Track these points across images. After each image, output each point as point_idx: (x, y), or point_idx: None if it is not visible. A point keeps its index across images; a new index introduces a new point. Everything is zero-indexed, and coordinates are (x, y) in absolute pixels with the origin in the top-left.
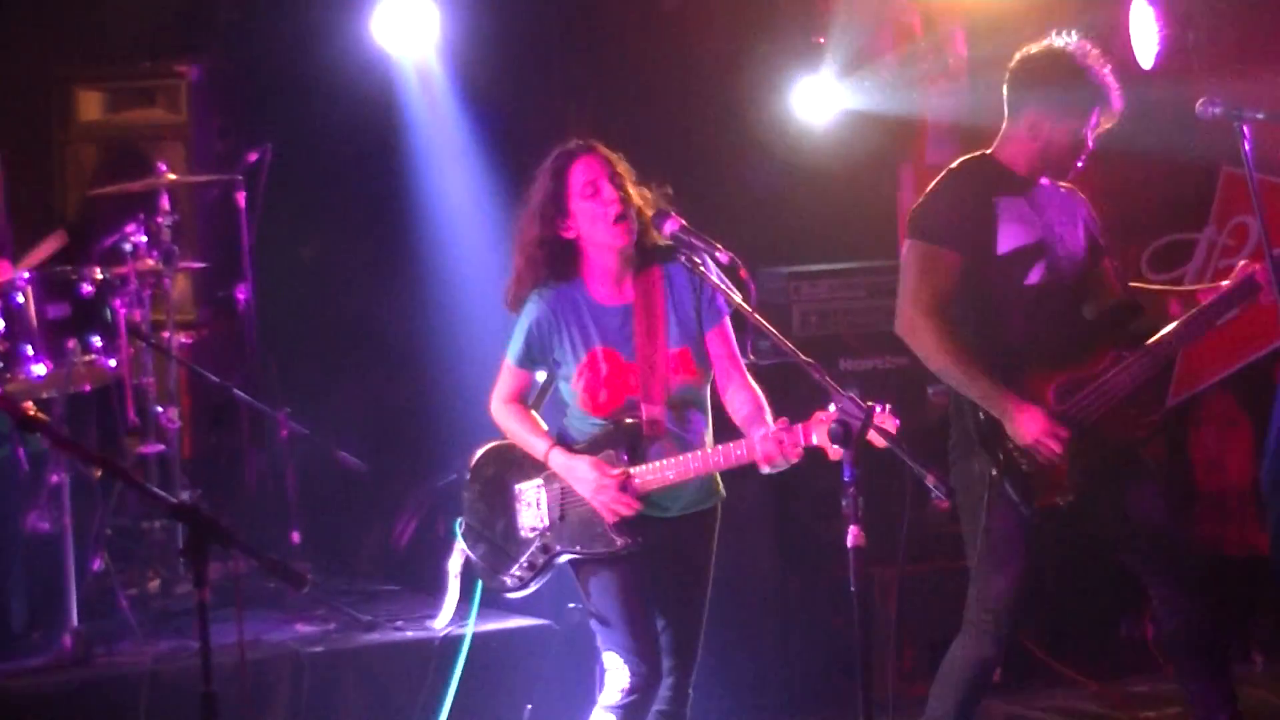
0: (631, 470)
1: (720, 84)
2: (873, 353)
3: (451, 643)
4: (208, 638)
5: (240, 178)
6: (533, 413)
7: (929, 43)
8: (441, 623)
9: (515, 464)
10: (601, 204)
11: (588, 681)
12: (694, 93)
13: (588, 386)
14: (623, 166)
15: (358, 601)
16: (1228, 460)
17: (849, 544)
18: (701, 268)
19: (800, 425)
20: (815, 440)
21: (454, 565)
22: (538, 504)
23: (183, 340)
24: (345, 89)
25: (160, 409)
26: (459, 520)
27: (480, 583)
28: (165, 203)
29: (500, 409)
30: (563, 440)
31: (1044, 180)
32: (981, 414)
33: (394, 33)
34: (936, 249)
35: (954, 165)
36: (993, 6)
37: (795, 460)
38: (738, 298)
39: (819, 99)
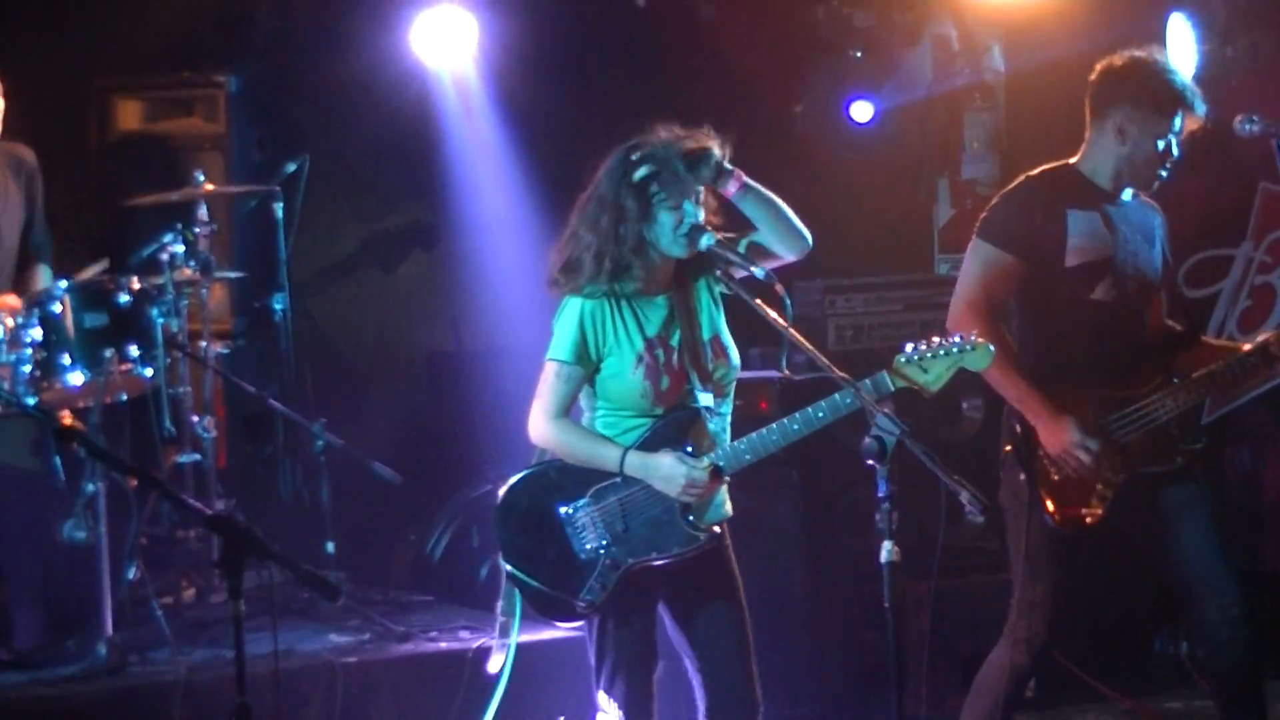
0: (710, 457)
1: (756, 96)
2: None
3: (485, 654)
4: (242, 648)
5: (278, 188)
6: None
7: (965, 57)
8: (496, 665)
9: (552, 489)
10: (678, 220)
11: None
12: (729, 105)
13: (650, 375)
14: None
15: (391, 612)
16: (1263, 476)
17: (883, 559)
18: (737, 282)
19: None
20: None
21: (507, 609)
22: (593, 523)
23: (219, 350)
24: (383, 100)
25: (196, 419)
26: (501, 562)
27: (519, 596)
28: (203, 213)
29: (551, 426)
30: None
31: (1126, 194)
32: (1020, 423)
33: (432, 44)
34: (999, 252)
35: (1034, 172)
36: (1030, 21)
37: None
38: (773, 313)
39: (854, 113)
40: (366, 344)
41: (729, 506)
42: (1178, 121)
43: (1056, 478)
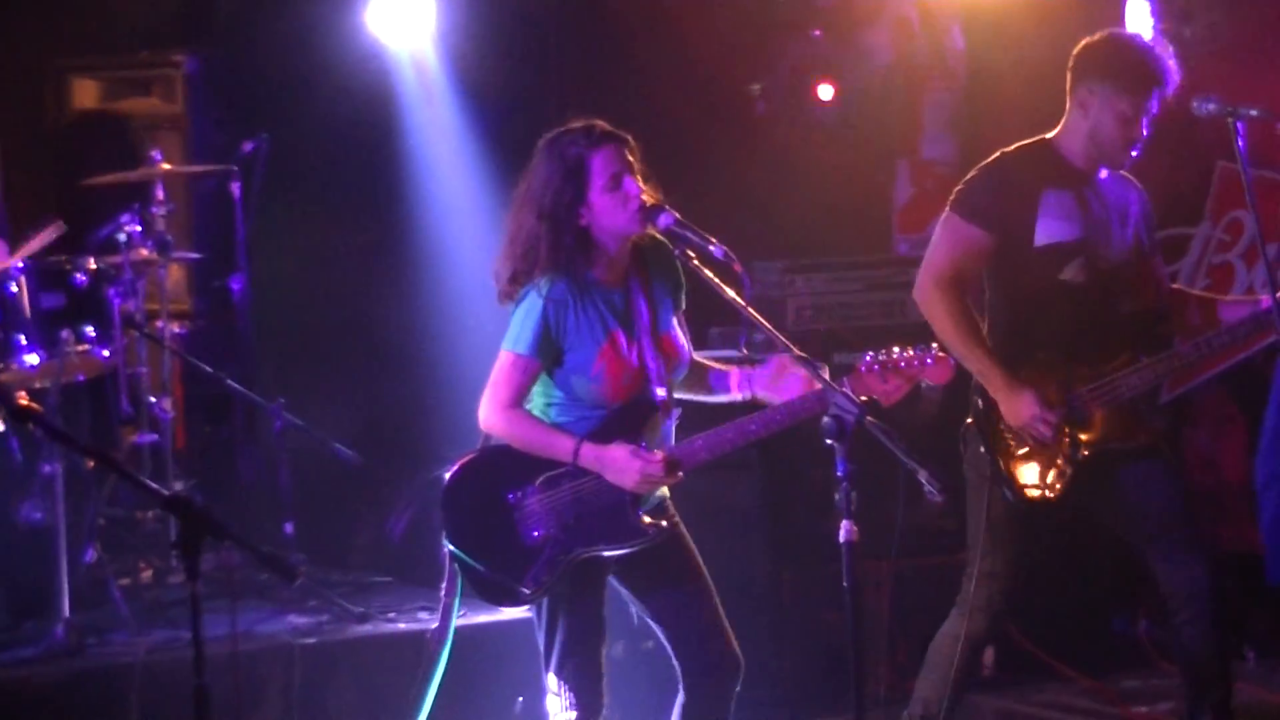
0: (667, 451)
1: (716, 76)
2: (868, 347)
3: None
4: (200, 630)
5: (236, 168)
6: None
7: (926, 38)
8: (438, 647)
9: (500, 474)
10: (623, 198)
11: None
12: (690, 85)
13: (610, 371)
14: (634, 153)
15: (351, 593)
16: (1222, 458)
17: (842, 539)
18: (695, 261)
19: (849, 379)
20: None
21: (450, 593)
22: (542, 511)
23: (177, 331)
24: (342, 81)
25: (154, 399)
26: (445, 545)
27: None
28: (160, 193)
29: (503, 415)
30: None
31: (1103, 173)
32: (982, 396)
33: (390, 25)
34: (971, 227)
35: (1010, 148)
36: (991, 2)
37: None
38: (731, 292)
39: (814, 93)
40: (326, 325)
41: (664, 489)
42: (1146, 100)
43: (1018, 451)
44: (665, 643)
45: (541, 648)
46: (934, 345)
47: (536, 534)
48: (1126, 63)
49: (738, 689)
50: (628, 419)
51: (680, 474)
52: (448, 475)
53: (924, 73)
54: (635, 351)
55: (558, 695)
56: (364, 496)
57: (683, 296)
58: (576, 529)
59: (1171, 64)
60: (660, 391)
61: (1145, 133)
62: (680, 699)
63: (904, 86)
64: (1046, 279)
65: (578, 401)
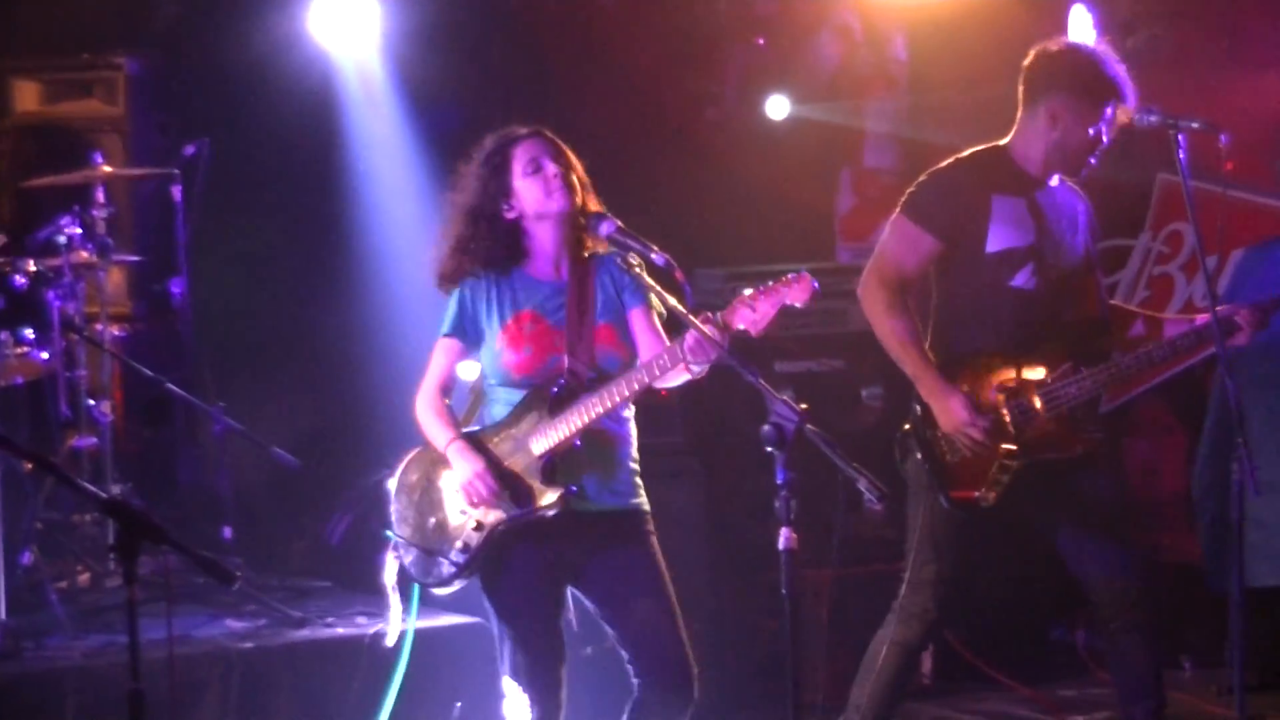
0: (549, 421)
1: (660, 84)
2: (809, 356)
3: (382, 637)
4: (136, 634)
5: (177, 172)
6: (446, 405)
7: (869, 47)
8: (392, 638)
9: (438, 462)
10: (544, 179)
11: None
12: (634, 93)
13: (511, 342)
14: (568, 153)
15: (289, 598)
16: (1161, 467)
17: (781, 547)
18: (637, 269)
19: (719, 313)
20: (739, 323)
21: (389, 578)
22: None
23: (116, 334)
24: (284, 85)
25: (93, 403)
26: (388, 533)
27: (416, 585)
28: (101, 195)
29: (418, 400)
30: (483, 427)
31: (1054, 180)
32: (919, 402)
33: (333, 30)
34: (920, 231)
35: (964, 154)
36: (933, 11)
37: (719, 350)
38: (673, 300)
39: (759, 101)
40: (266, 329)
41: (630, 499)
42: (1109, 110)
43: (950, 459)
44: (622, 651)
45: (498, 650)
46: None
47: (461, 512)
48: (1100, 77)
49: (692, 701)
50: (538, 395)
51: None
52: (399, 467)
53: (867, 81)
54: (547, 331)
55: (511, 698)
56: (303, 501)
57: (643, 297)
58: (493, 502)
59: (1123, 69)
60: (575, 363)
61: (1106, 142)
62: (630, 707)
63: (847, 95)
64: (997, 285)
65: (493, 380)
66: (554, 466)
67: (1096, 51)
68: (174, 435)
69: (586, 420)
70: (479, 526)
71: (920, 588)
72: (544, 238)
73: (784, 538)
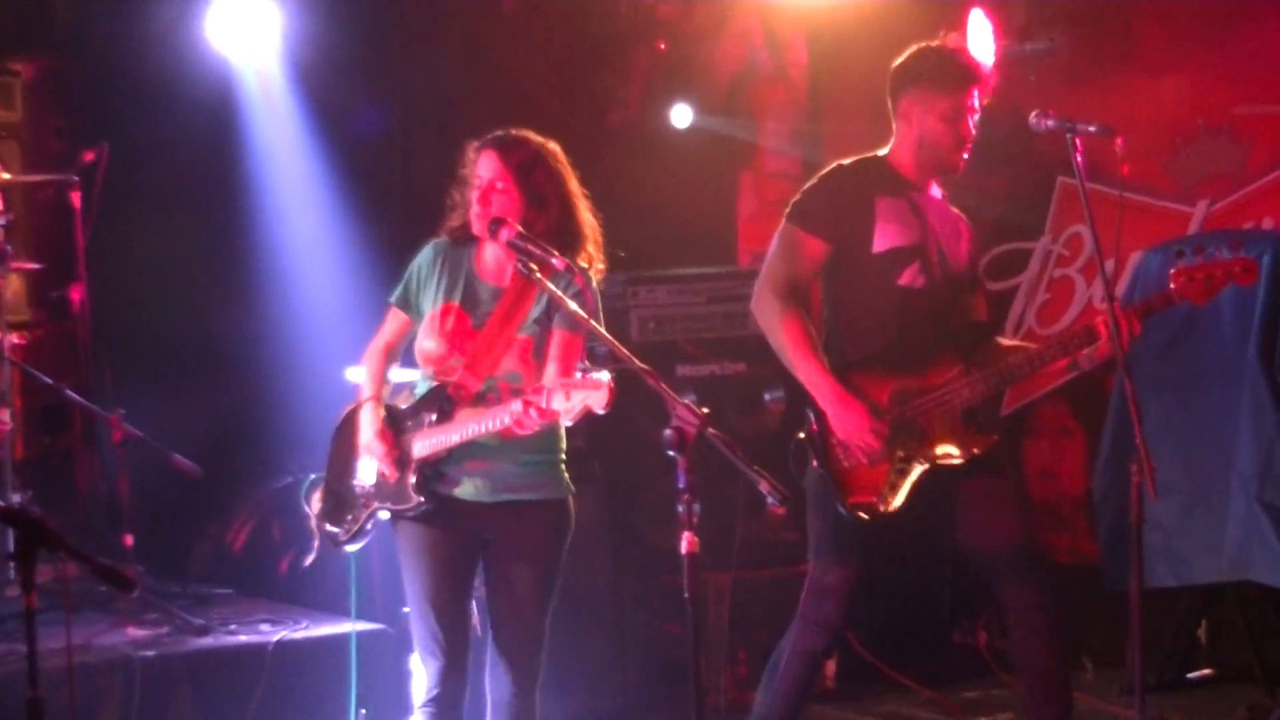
0: (434, 427)
1: (559, 89)
2: (710, 359)
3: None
4: (35, 642)
5: (76, 178)
6: (385, 366)
7: (769, 50)
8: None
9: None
10: (479, 204)
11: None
12: (532, 98)
13: (423, 332)
14: (529, 162)
15: (191, 605)
16: (1061, 469)
17: (683, 551)
18: (538, 274)
19: (546, 390)
20: (554, 405)
21: (313, 512)
22: (370, 463)
23: (15, 341)
24: (184, 90)
25: None
26: (313, 476)
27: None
28: None
29: (367, 352)
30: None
31: (934, 191)
32: (814, 409)
33: (232, 35)
34: (805, 235)
35: (846, 161)
36: (833, 15)
37: (540, 423)
38: (573, 305)
39: (662, 106)
40: (167, 336)
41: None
42: (961, 96)
43: (847, 465)
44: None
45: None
46: (608, 374)
47: (359, 482)
48: (937, 64)
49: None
50: (434, 397)
51: (395, 461)
52: (345, 410)
53: (767, 85)
54: (468, 337)
55: (420, 677)
56: (204, 508)
57: (572, 323)
58: (381, 486)
59: (984, 61)
60: (467, 378)
61: (973, 131)
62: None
63: (748, 98)
64: (886, 285)
65: (418, 359)
66: (425, 473)
67: (942, 44)
68: (73, 442)
69: (463, 437)
70: (365, 507)
71: (823, 595)
72: (493, 245)
73: (685, 542)
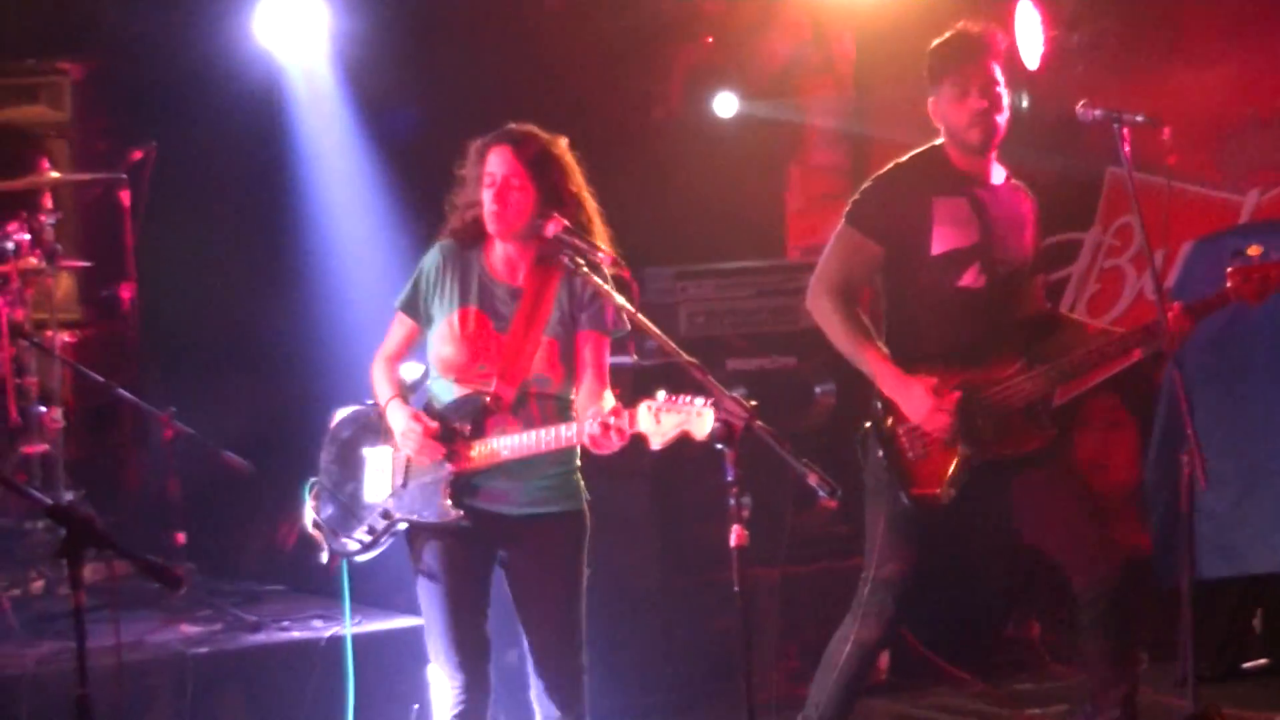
0: (466, 441)
1: (609, 83)
2: (760, 353)
3: (340, 643)
4: (84, 639)
5: (124, 176)
6: (397, 374)
7: (817, 44)
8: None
9: (370, 429)
10: (489, 200)
11: None
12: (583, 92)
13: (441, 338)
14: (543, 159)
15: (243, 602)
16: (1112, 461)
17: (731, 544)
18: (584, 269)
19: (627, 412)
20: (641, 427)
21: (307, 520)
22: (384, 471)
23: (66, 340)
24: (231, 88)
25: (43, 409)
26: (311, 480)
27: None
28: (48, 201)
29: (375, 363)
30: (427, 409)
31: (995, 177)
32: (880, 399)
33: (279, 33)
34: (862, 238)
35: (904, 158)
36: (882, 8)
37: (619, 444)
38: (621, 299)
39: (708, 98)
40: (216, 333)
41: (564, 503)
42: (965, 71)
43: (911, 457)
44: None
45: (427, 641)
46: (709, 401)
47: (373, 493)
48: (937, 53)
49: (580, 701)
50: (469, 406)
51: (450, 457)
52: (333, 420)
53: (814, 79)
54: (492, 340)
55: (435, 686)
56: (255, 504)
57: (600, 325)
58: (402, 495)
59: (991, 31)
60: (503, 387)
61: (990, 103)
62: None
63: (794, 93)
64: (944, 286)
65: (434, 367)
66: (460, 485)
67: (953, 32)
68: (124, 440)
69: (504, 458)
70: (386, 515)
71: (880, 586)
72: (503, 241)
73: (734, 535)
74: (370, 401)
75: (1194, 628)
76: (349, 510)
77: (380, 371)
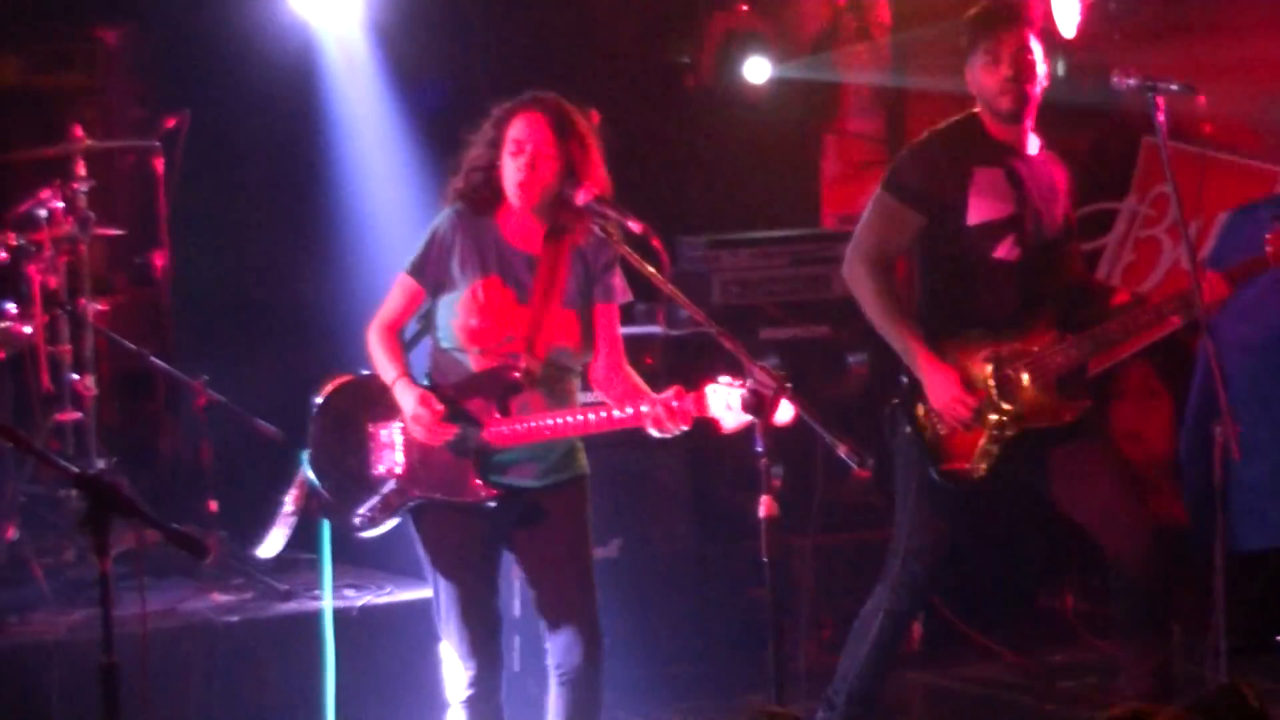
0: (500, 418)
1: (642, 51)
2: (794, 322)
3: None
4: (110, 607)
5: (158, 144)
6: (399, 344)
7: (853, 11)
8: (266, 553)
9: (371, 401)
10: (519, 165)
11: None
12: (616, 60)
13: (464, 308)
14: (571, 126)
15: (274, 571)
16: (1147, 432)
17: (761, 514)
18: (616, 238)
19: (693, 394)
20: (710, 412)
21: (289, 499)
22: (395, 446)
23: (99, 308)
24: (265, 56)
25: (76, 376)
26: (304, 452)
27: (328, 549)
28: (81, 168)
29: (369, 332)
30: (433, 385)
31: (1031, 147)
32: (908, 375)
33: (313, 1)
34: (900, 206)
35: (940, 126)
36: None
37: (684, 427)
38: (651, 268)
39: (741, 65)
40: (249, 301)
41: (572, 470)
42: (994, 39)
43: (942, 431)
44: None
45: (435, 617)
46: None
47: (382, 468)
48: (972, 21)
49: (600, 666)
50: (494, 382)
51: (479, 445)
52: (324, 390)
53: (850, 45)
54: (514, 311)
55: (448, 663)
56: (287, 473)
57: (613, 296)
58: (418, 473)
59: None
60: (531, 361)
61: (1021, 70)
62: (551, 682)
63: (831, 60)
64: (981, 256)
65: (448, 339)
66: (485, 464)
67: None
68: (157, 408)
69: (533, 438)
70: (403, 494)
71: (910, 558)
72: (522, 210)
73: (764, 505)
74: (367, 372)
75: (1227, 599)
76: (351, 486)
77: (382, 345)
